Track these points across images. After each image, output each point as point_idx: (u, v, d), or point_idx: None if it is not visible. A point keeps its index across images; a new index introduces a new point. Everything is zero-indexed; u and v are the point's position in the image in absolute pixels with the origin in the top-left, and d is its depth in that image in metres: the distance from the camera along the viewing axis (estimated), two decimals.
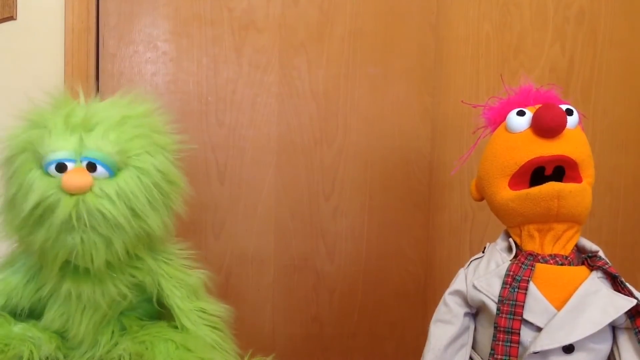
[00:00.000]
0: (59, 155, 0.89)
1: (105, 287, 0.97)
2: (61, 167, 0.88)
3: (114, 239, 0.90)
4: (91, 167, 0.89)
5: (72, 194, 0.86)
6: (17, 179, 0.91)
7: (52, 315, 0.99)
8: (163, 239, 1.04)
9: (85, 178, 0.87)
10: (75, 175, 0.87)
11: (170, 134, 1.02)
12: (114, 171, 0.91)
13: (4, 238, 0.97)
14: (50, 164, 0.89)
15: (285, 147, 1.55)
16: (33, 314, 1.03)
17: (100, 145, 0.90)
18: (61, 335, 1.02)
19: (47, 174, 0.89)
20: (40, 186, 0.87)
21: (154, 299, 1.05)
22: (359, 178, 1.57)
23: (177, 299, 1.04)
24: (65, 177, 0.86)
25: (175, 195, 1.00)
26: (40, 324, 1.01)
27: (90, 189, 0.87)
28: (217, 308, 1.07)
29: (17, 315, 1.03)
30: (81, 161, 0.89)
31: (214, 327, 1.05)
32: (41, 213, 0.87)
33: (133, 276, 1.00)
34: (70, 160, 0.89)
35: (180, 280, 1.05)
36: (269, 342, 1.56)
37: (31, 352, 0.95)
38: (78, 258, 0.91)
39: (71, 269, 0.94)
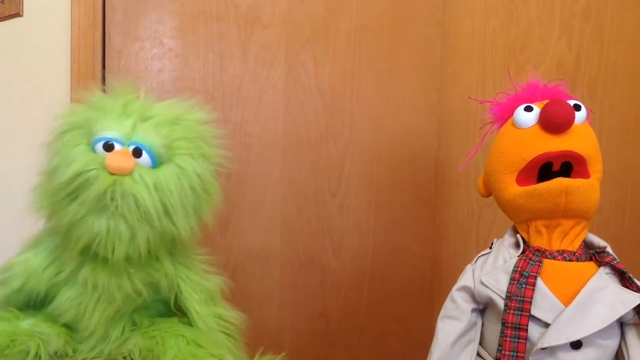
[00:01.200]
0: (110, 134, 0.91)
1: (121, 280, 0.97)
2: (108, 147, 0.91)
3: (139, 232, 0.91)
4: (137, 153, 0.91)
5: (112, 174, 0.88)
6: (63, 151, 0.93)
7: (66, 303, 1.00)
8: (186, 244, 1.04)
9: (129, 161, 0.89)
10: (120, 156, 0.89)
11: (215, 146, 1.03)
12: (157, 162, 0.93)
13: (36, 210, 0.98)
14: (99, 140, 0.91)
15: (291, 143, 1.55)
16: (47, 299, 1.03)
17: (150, 135, 0.93)
18: (71, 328, 1.02)
19: (93, 150, 0.91)
20: (83, 159, 0.89)
21: (171, 303, 1.05)
22: (365, 174, 1.57)
23: (195, 303, 1.04)
24: (109, 155, 0.89)
25: (207, 204, 1.01)
26: (51, 310, 1.02)
27: (130, 173, 0.89)
28: (233, 315, 1.08)
29: (34, 298, 1.03)
30: (129, 145, 0.91)
31: (228, 334, 1.06)
32: (78, 185, 0.88)
33: (149, 275, 1.00)
34: (118, 142, 0.91)
35: (200, 284, 1.06)
36: (276, 338, 1.57)
37: (39, 347, 0.95)
38: (100, 246, 0.91)
39: (91, 257, 0.95)
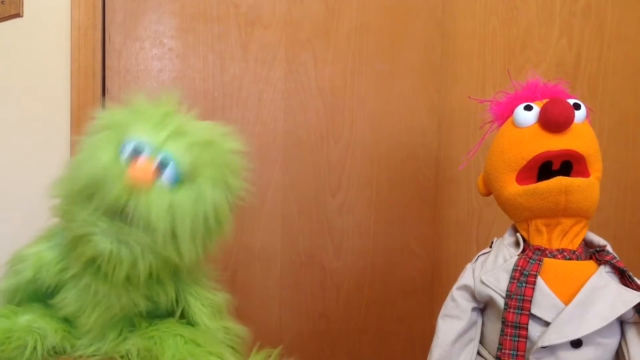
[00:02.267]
0: (142, 139, 0.90)
1: (121, 293, 0.97)
2: (137, 152, 0.89)
3: (140, 260, 0.91)
4: (162, 167, 0.90)
5: (131, 183, 0.87)
6: (90, 149, 0.93)
7: (68, 298, 1.00)
8: (189, 269, 1.04)
9: (150, 174, 0.88)
10: (143, 169, 0.88)
11: (240, 178, 1.03)
12: (178, 182, 0.91)
13: (52, 207, 0.98)
14: (129, 142, 0.90)
15: (291, 143, 1.55)
16: (55, 291, 1.03)
17: (180, 150, 0.91)
18: (70, 322, 1.03)
19: (120, 155, 0.90)
20: (106, 160, 0.89)
21: (177, 316, 1.05)
22: (366, 174, 1.57)
23: (204, 317, 1.04)
24: (133, 166, 0.88)
25: (216, 236, 1.00)
26: (53, 302, 1.02)
27: (149, 186, 0.88)
28: (239, 328, 1.08)
29: (43, 290, 1.03)
30: (157, 155, 0.90)
31: (234, 349, 1.06)
32: (94, 187, 0.88)
33: (149, 291, 1.01)
34: (147, 149, 0.90)
35: (208, 298, 1.06)
36: (276, 338, 1.57)
37: (36, 342, 0.95)
38: (102, 264, 0.92)
39: (95, 267, 0.94)
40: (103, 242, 0.89)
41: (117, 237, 0.89)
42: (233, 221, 1.03)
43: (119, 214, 0.88)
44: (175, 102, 1.00)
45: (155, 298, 1.02)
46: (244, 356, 1.06)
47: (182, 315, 1.06)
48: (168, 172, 0.90)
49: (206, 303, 1.05)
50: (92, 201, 0.88)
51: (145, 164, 0.89)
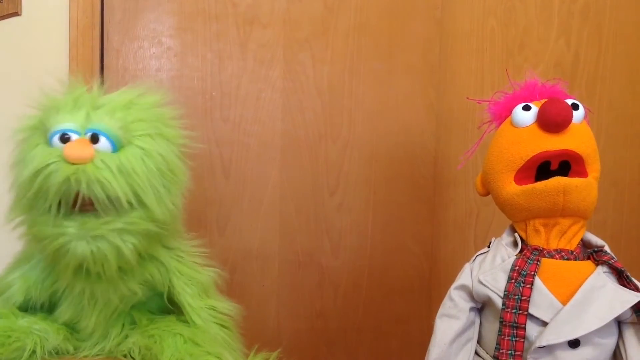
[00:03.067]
0: (64, 126, 0.90)
1: (117, 285, 0.97)
2: (65, 139, 0.89)
3: (123, 247, 0.90)
4: (95, 140, 0.89)
5: (73, 164, 0.86)
6: (23, 155, 0.92)
7: (65, 308, 1.00)
8: (173, 234, 1.04)
9: (87, 148, 0.87)
10: (77, 145, 0.87)
11: (176, 127, 1.02)
12: (117, 146, 0.91)
13: (14, 227, 0.97)
14: (54, 134, 0.89)
15: (289, 142, 1.55)
16: (52, 306, 1.03)
17: (105, 119, 0.91)
18: (72, 327, 1.03)
19: (51, 146, 0.90)
20: (41, 155, 0.88)
21: (165, 296, 1.05)
22: (364, 173, 1.57)
23: (188, 297, 1.04)
24: (67, 146, 0.87)
25: (176, 186, 0.99)
26: (53, 315, 1.02)
27: (91, 160, 0.87)
28: (227, 306, 1.07)
29: (37, 309, 1.04)
30: (85, 133, 0.89)
31: (223, 326, 1.05)
32: (41, 183, 0.86)
33: (143, 274, 1.00)
34: (74, 132, 0.89)
35: (192, 277, 1.06)
36: (274, 337, 1.57)
37: (36, 344, 0.95)
38: (90, 266, 0.91)
39: (84, 271, 0.94)
40: (80, 247, 0.88)
41: (90, 234, 0.88)
42: (187, 170, 1.03)
43: (78, 204, 0.87)
44: (81, 84, 0.99)
45: (149, 280, 1.02)
46: (235, 334, 1.06)
47: (173, 301, 1.06)
48: (103, 142, 0.89)
49: (189, 282, 1.05)
50: (47, 200, 0.87)
51: (77, 142, 0.88)
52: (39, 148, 0.90)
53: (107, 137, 0.90)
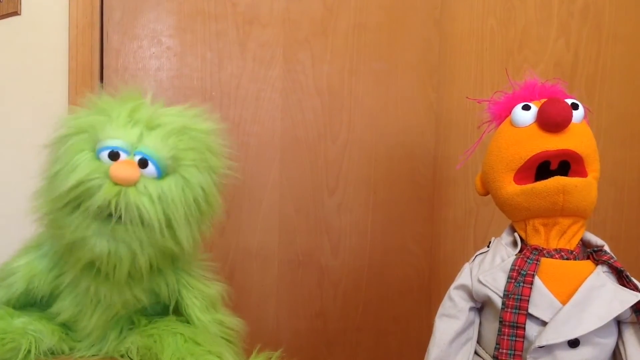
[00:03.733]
0: (116, 143, 0.89)
1: (123, 291, 0.97)
2: (114, 156, 0.89)
3: (139, 254, 0.90)
4: (143, 164, 0.89)
5: (116, 184, 0.86)
6: (66, 157, 0.91)
7: (65, 304, 1.00)
8: (188, 256, 1.04)
9: (134, 171, 0.87)
10: (125, 166, 0.87)
11: (222, 157, 1.03)
12: (162, 174, 0.91)
13: (38, 219, 0.97)
14: (104, 149, 0.89)
15: (289, 142, 1.55)
16: (51, 300, 1.03)
17: (157, 145, 0.90)
18: (69, 326, 1.03)
19: (98, 159, 0.89)
20: (87, 166, 0.87)
21: (171, 309, 1.05)
22: (363, 173, 1.57)
23: (196, 310, 1.04)
24: (114, 165, 0.87)
25: (209, 217, 1.01)
26: (50, 311, 1.02)
27: (135, 183, 0.87)
28: (234, 321, 1.07)
29: (37, 301, 1.03)
30: (134, 155, 0.89)
31: (229, 341, 1.05)
32: (80, 194, 0.87)
33: (150, 283, 1.01)
34: (124, 151, 0.89)
35: (201, 291, 1.06)
36: (274, 337, 1.57)
37: (30, 345, 0.95)
38: (102, 265, 0.91)
39: (94, 269, 0.94)
40: (100, 244, 0.88)
41: (113, 236, 0.88)
42: (222, 201, 1.03)
43: (108, 215, 0.87)
44: (139, 93, 0.99)
45: (156, 290, 1.02)
46: (239, 349, 1.06)
47: (178, 309, 1.06)
48: (150, 169, 0.89)
49: (199, 296, 1.05)
50: (80, 208, 0.87)
51: (126, 163, 0.88)
52: (85, 157, 0.89)
53: (155, 164, 0.90)
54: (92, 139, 0.91)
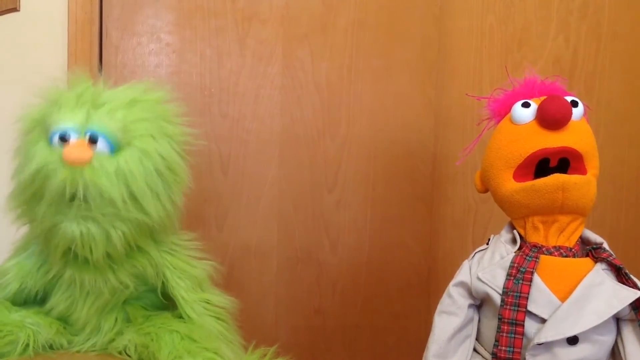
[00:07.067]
0: (64, 125, 0.90)
1: (106, 276, 0.98)
2: (65, 139, 0.90)
3: (112, 231, 0.91)
4: (93, 140, 0.90)
5: (70, 166, 0.87)
6: (24, 151, 0.94)
7: (57, 299, 1.01)
8: (166, 229, 1.04)
9: (85, 151, 0.88)
10: (75, 148, 0.88)
11: (178, 124, 1.02)
12: (115, 148, 0.91)
13: (11, 215, 0.98)
14: (54, 133, 0.90)
15: (288, 139, 1.55)
16: (46, 296, 1.04)
17: (104, 120, 0.91)
18: (65, 320, 1.03)
19: (51, 145, 0.90)
20: (41, 155, 0.89)
21: (159, 291, 1.05)
22: (362, 170, 1.57)
23: (181, 290, 1.04)
24: (65, 149, 0.88)
25: (176, 185, 1.00)
26: (45, 307, 1.03)
27: (89, 162, 0.88)
28: (222, 299, 1.08)
29: (33, 298, 1.05)
30: (85, 134, 0.90)
31: (218, 318, 1.06)
32: (40, 183, 0.88)
33: (134, 266, 1.01)
34: (74, 132, 0.90)
35: (185, 271, 1.06)
36: (272, 334, 1.57)
37: (28, 338, 0.95)
38: (77, 248, 0.92)
39: (72, 257, 0.95)
40: (70, 227, 0.90)
41: (82, 216, 0.89)
42: (188, 168, 1.03)
43: (72, 199, 0.88)
44: (87, 79, 0.99)
45: (141, 273, 1.02)
46: (230, 326, 1.06)
47: (167, 295, 1.07)
48: (101, 144, 0.90)
49: (183, 276, 1.06)
50: (44, 197, 0.89)
51: (76, 143, 0.89)
52: (40, 146, 0.91)
53: (106, 139, 0.90)
54: (46, 129, 0.92)
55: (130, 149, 0.92)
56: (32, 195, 0.91)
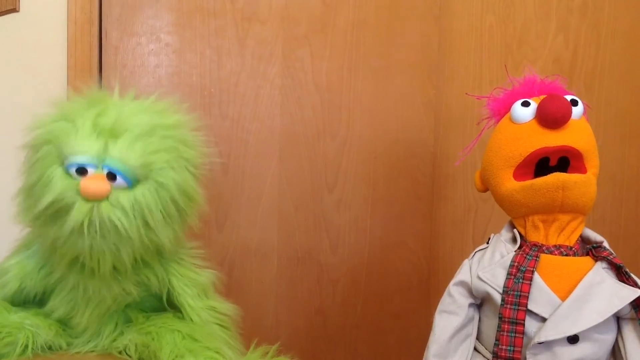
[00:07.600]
0: (82, 159, 0.89)
1: (111, 284, 0.97)
2: (82, 171, 0.88)
3: (122, 249, 0.91)
4: (111, 177, 0.89)
5: (88, 200, 0.86)
6: (38, 169, 0.91)
7: (58, 302, 1.01)
8: (174, 245, 1.04)
9: (103, 186, 0.87)
10: (94, 182, 0.87)
11: (197, 147, 1.02)
12: (133, 183, 0.90)
13: (19, 223, 0.98)
14: (71, 165, 0.89)
15: (288, 139, 1.55)
16: (45, 298, 1.04)
17: (124, 156, 0.89)
18: (65, 323, 1.03)
19: (68, 174, 0.89)
20: (59, 185, 0.88)
21: (164, 298, 1.06)
22: (363, 170, 1.57)
23: (188, 298, 1.05)
24: (83, 182, 0.86)
25: (191, 210, 1.00)
26: (45, 309, 1.03)
27: (106, 197, 0.87)
28: (226, 307, 1.08)
29: (32, 299, 1.04)
30: (103, 168, 0.89)
31: (222, 326, 1.06)
32: (55, 211, 0.88)
33: (139, 275, 1.01)
34: (91, 166, 0.89)
35: (191, 279, 1.06)
36: (273, 334, 1.57)
37: (28, 339, 0.95)
38: (86, 260, 0.92)
39: (79, 265, 0.95)
40: (81, 242, 0.89)
41: (92, 236, 0.88)
42: (202, 191, 1.03)
43: (84, 230, 0.87)
44: (103, 93, 0.98)
45: (145, 282, 1.02)
46: (233, 333, 1.06)
47: (171, 300, 1.07)
48: (119, 180, 0.89)
49: (189, 283, 1.06)
50: (57, 222, 0.89)
51: (95, 177, 0.88)
52: (55, 172, 0.89)
53: (124, 176, 0.89)
54: (60, 151, 0.90)
55: (148, 182, 0.92)
56: (46, 219, 0.90)
